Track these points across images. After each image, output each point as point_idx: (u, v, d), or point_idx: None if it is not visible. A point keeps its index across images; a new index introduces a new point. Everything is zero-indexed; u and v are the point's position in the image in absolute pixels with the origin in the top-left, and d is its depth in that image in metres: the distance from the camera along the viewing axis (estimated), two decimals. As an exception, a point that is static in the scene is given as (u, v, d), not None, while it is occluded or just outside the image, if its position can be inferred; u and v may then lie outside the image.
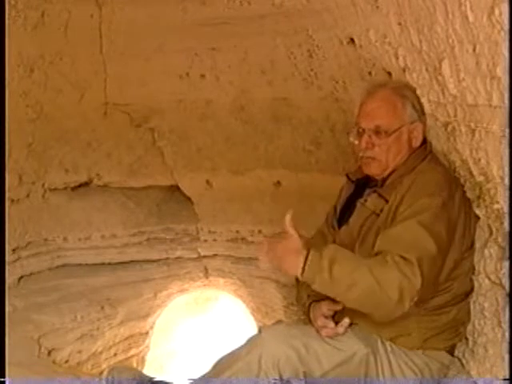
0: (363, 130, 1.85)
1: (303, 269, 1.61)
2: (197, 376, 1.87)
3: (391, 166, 1.84)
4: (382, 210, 1.79)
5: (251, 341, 1.75)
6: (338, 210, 2.02)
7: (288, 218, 1.67)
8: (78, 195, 3.78)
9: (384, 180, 1.86)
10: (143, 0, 2.94)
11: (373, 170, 1.86)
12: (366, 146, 1.84)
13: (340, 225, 1.96)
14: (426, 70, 1.73)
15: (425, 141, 1.91)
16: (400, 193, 1.74)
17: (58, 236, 3.70)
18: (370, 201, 1.84)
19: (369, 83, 2.24)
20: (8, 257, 3.17)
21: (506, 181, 1.47)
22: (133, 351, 3.89)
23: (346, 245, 1.85)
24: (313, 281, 1.62)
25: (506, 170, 1.45)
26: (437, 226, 1.63)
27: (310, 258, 1.62)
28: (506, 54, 1.25)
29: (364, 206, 1.86)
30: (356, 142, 1.88)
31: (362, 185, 1.96)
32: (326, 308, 1.80)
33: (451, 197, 1.71)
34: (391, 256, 1.56)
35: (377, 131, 1.81)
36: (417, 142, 1.84)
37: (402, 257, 1.55)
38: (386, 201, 1.79)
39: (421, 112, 1.87)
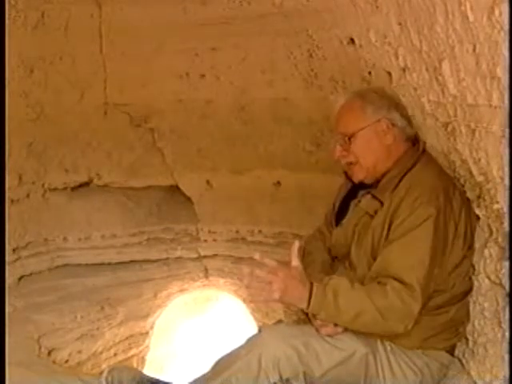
0: (337, 140, 1.91)
1: (309, 302, 1.65)
2: (197, 376, 1.87)
3: (371, 167, 1.86)
4: (376, 212, 1.80)
5: (251, 341, 1.75)
6: (336, 208, 2.04)
7: (296, 245, 1.69)
8: (78, 195, 3.78)
9: (378, 182, 1.88)
10: (143, 0, 2.94)
11: (357, 174, 1.90)
12: (339, 154, 1.91)
13: (337, 223, 1.98)
14: (426, 69, 1.73)
15: (417, 140, 1.92)
16: (397, 198, 1.75)
17: (57, 236, 3.70)
18: (364, 202, 1.86)
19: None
20: (8, 257, 3.17)
21: (506, 181, 1.47)
22: (133, 351, 3.89)
23: (342, 244, 1.91)
24: (318, 313, 1.67)
25: (506, 169, 1.45)
26: (434, 237, 1.66)
27: (314, 290, 1.65)
28: (506, 54, 1.25)
29: (358, 207, 1.89)
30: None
31: (357, 186, 1.97)
32: (325, 307, 1.80)
33: (449, 201, 1.72)
34: (391, 285, 1.61)
35: (344, 138, 1.87)
36: (389, 139, 1.86)
37: (402, 282, 1.61)
38: (381, 202, 1.79)
39: (391, 110, 1.88)
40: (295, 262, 1.70)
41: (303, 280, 1.67)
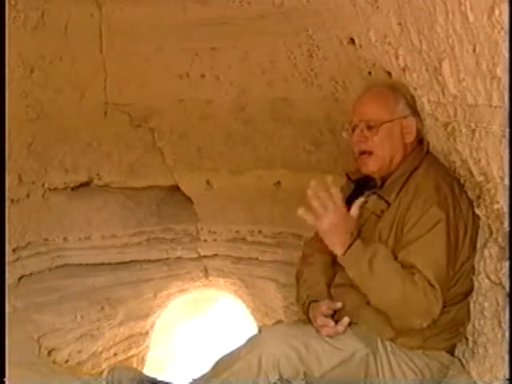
0: (356, 125, 1.87)
1: (345, 252, 1.67)
2: (197, 376, 1.87)
3: (387, 161, 1.85)
4: (382, 212, 1.80)
5: (251, 341, 1.75)
6: None
7: (330, 179, 1.70)
8: (78, 195, 3.78)
9: (383, 181, 1.87)
10: (143, 0, 2.93)
11: (370, 166, 1.87)
12: (357, 139, 1.87)
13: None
14: (426, 69, 1.73)
15: (421, 141, 1.92)
16: (405, 200, 1.75)
17: (57, 236, 3.69)
18: (370, 202, 1.85)
19: (368, 83, 2.27)
20: (8, 257, 3.16)
21: (506, 181, 1.47)
22: (133, 351, 3.89)
23: None
24: (350, 267, 1.68)
25: (506, 169, 1.45)
26: (447, 239, 1.67)
27: (355, 243, 1.67)
28: (506, 54, 1.25)
29: (363, 207, 1.87)
30: (348, 137, 1.91)
31: (362, 185, 1.96)
32: (325, 307, 1.80)
33: (457, 201, 1.72)
34: (420, 278, 1.62)
35: (368, 125, 1.84)
36: (410, 138, 1.85)
37: (429, 283, 1.61)
38: (387, 202, 1.79)
39: (415, 110, 1.88)
40: (354, 211, 1.72)
41: (351, 228, 1.69)
